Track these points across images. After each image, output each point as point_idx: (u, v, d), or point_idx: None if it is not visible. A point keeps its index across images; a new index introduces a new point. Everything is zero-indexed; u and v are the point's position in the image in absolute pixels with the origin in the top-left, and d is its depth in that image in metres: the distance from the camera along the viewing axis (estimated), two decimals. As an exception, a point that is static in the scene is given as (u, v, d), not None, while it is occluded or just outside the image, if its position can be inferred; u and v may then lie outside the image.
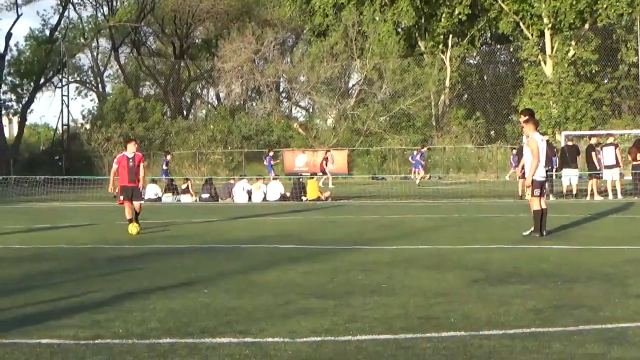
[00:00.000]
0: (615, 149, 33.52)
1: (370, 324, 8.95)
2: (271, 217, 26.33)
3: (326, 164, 47.24)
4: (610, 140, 34.60)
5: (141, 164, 22.21)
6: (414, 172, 55.57)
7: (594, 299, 10.16)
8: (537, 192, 17.97)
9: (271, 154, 48.95)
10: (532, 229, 18.12)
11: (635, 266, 13.06)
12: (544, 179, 18.38)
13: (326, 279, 12.31)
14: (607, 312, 9.36)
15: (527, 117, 18.76)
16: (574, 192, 33.89)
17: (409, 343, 8.00)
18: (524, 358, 7.34)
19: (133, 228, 20.49)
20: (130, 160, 21.89)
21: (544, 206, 18.15)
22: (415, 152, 57.35)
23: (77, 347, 8.05)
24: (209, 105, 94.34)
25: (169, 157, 47.82)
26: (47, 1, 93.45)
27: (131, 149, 22.30)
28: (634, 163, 34.16)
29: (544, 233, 17.97)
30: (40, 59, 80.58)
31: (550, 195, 32.49)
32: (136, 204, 21.78)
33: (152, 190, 38.35)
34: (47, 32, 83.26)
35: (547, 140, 34.24)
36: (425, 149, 54.17)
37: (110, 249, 17.56)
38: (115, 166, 22.21)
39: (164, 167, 45.33)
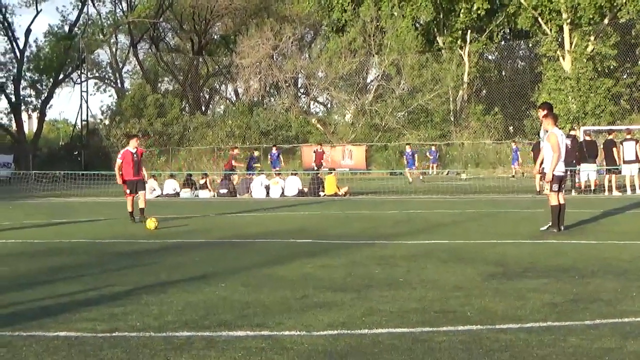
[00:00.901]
0: (636, 144, 33.42)
1: (387, 317, 8.94)
2: (289, 212, 26.34)
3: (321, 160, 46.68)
4: (629, 135, 34.53)
5: (141, 157, 23.58)
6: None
7: (611, 293, 10.13)
8: (555, 187, 17.88)
9: (274, 150, 48.25)
10: (550, 223, 18.07)
11: (653, 261, 13.04)
12: (563, 174, 18.33)
13: (343, 273, 12.30)
14: (624, 306, 9.33)
15: (546, 112, 18.65)
16: (592, 187, 33.82)
17: (425, 336, 7.99)
18: (540, 352, 7.32)
19: (151, 223, 20.57)
20: (135, 155, 22.89)
21: (562, 201, 18.06)
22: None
23: (94, 339, 8.07)
24: (227, 101, 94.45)
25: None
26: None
27: (133, 144, 23.27)
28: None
29: (562, 228, 17.86)
30: (59, 55, 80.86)
31: (573, 191, 32.48)
32: (141, 195, 23.01)
33: (170, 186, 38.51)
34: (66, 28, 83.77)
35: (575, 136, 34.33)
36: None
37: (128, 243, 17.60)
38: (119, 161, 22.92)
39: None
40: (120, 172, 22.93)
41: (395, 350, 7.52)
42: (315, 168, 46.11)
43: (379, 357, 7.28)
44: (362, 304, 9.73)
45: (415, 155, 48.78)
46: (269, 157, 48.51)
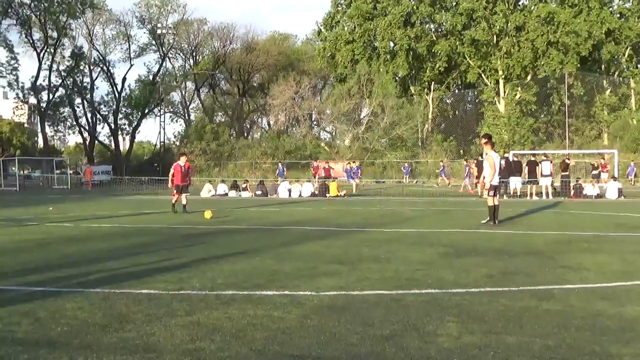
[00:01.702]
0: (551, 163, 33.56)
1: (372, 283, 8.95)
2: (304, 208, 26.30)
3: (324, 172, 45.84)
4: (545, 157, 34.65)
5: (189, 170, 23.84)
6: (405, 178, 55.58)
7: (530, 268, 10.11)
8: (491, 193, 17.91)
9: (280, 166, 47.93)
10: (488, 218, 18.07)
11: (561, 246, 12.97)
12: (497, 184, 18.31)
13: (341, 251, 12.27)
14: (539, 278, 9.32)
15: (486, 140, 18.63)
16: (518, 193, 33.80)
17: (398, 297, 8.01)
18: (479, 308, 7.34)
19: (208, 213, 20.59)
20: (183, 167, 23.23)
21: (496, 203, 18.08)
22: (406, 164, 57.43)
23: (166, 295, 8.12)
24: (262, 129, 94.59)
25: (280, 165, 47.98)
26: (150, 55, 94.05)
27: (183, 160, 23.56)
28: (563, 174, 34.20)
29: (496, 222, 17.85)
30: (145, 95, 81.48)
31: (505, 196, 32.44)
32: (184, 196, 23.20)
33: (221, 188, 38.46)
34: (150, 77, 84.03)
35: (507, 158, 34.34)
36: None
37: (190, 227, 17.59)
38: (172, 171, 23.11)
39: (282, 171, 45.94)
40: (172, 178, 23.23)
41: (377, 305, 7.55)
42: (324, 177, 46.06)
43: (366, 310, 7.30)
44: (354, 273, 9.72)
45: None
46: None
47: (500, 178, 19.53)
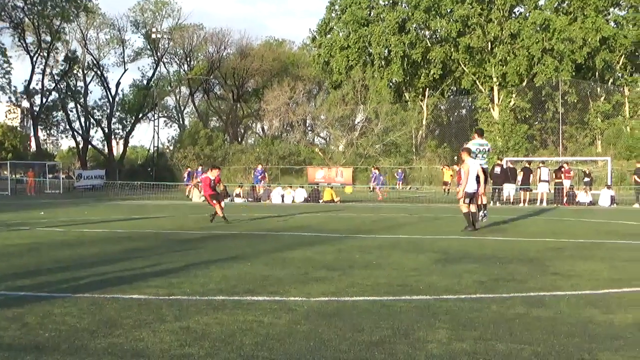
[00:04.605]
0: (548, 169, 33.88)
1: (363, 289, 8.94)
2: (297, 214, 26.29)
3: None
4: (542, 164, 34.98)
5: (218, 183, 21.91)
6: (398, 184, 55.63)
7: (522, 275, 10.13)
8: (467, 200, 17.72)
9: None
10: (466, 225, 17.87)
11: (553, 253, 13.00)
12: (472, 191, 17.75)
13: (333, 257, 12.26)
14: (531, 284, 9.33)
15: (462, 149, 18.57)
16: (512, 200, 33.88)
17: (389, 303, 8.01)
18: (470, 315, 7.34)
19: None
20: (212, 181, 21.42)
21: (473, 210, 17.84)
22: (400, 170, 57.48)
23: (157, 300, 8.10)
24: (256, 135, 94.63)
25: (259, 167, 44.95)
26: (145, 60, 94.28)
27: (214, 174, 21.81)
28: (557, 180, 34.32)
29: (476, 227, 17.68)
30: (139, 100, 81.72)
31: (497, 203, 32.51)
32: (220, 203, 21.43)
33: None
34: (145, 82, 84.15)
35: (501, 164, 34.41)
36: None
37: (183, 233, 17.59)
38: (197, 180, 22.10)
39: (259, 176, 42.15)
40: (197, 187, 22.13)
41: (368, 311, 7.55)
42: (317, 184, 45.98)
43: (357, 316, 7.30)
44: (346, 279, 9.71)
45: (382, 177, 47.68)
46: (254, 173, 45.25)
47: (494, 185, 19.39)
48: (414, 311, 7.55)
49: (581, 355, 5.84)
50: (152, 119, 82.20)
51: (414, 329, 6.70)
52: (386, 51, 72.19)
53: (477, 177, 17.69)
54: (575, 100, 66.96)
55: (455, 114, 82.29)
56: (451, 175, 40.94)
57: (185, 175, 49.44)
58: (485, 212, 19.05)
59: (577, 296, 8.54)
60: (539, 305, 7.94)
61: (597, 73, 69.52)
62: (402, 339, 6.32)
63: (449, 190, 41.71)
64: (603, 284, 9.41)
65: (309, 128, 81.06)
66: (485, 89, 69.61)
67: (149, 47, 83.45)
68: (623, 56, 68.65)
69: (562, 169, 35.01)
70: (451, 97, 79.08)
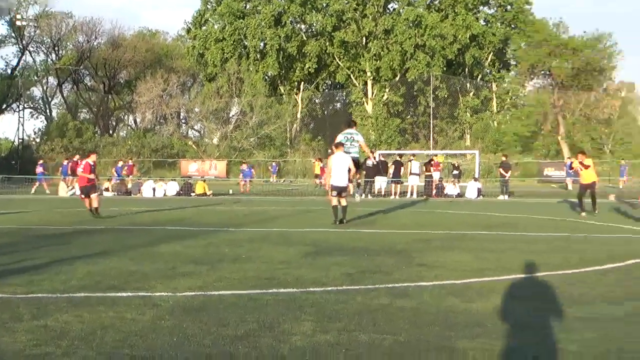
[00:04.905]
0: (419, 163, 34.81)
1: (231, 282, 8.91)
2: (168, 208, 25.91)
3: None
4: (413, 157, 35.87)
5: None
6: (272, 177, 55.82)
7: (388, 267, 10.33)
8: (334, 193, 17.80)
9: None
10: (334, 218, 17.92)
11: (420, 244, 13.33)
12: (337, 184, 17.69)
13: (203, 251, 12.17)
14: (396, 276, 9.53)
15: (334, 144, 18.67)
16: (383, 193, 34.55)
17: (256, 296, 8.00)
18: (336, 307, 7.42)
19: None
20: (92, 165, 20.93)
21: (344, 204, 17.94)
22: (274, 164, 57.68)
23: (15, 299, 7.80)
24: (129, 127, 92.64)
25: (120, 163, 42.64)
26: (9, 48, 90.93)
27: (93, 158, 21.32)
28: (427, 173, 35.26)
29: (343, 222, 17.67)
30: (3, 90, 78.17)
31: (369, 195, 33.03)
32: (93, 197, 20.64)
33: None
34: (9, 71, 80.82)
35: (373, 158, 34.96)
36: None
37: (49, 228, 16.99)
38: (81, 170, 21.05)
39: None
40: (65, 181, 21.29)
41: (234, 306, 7.52)
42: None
43: (223, 310, 7.25)
44: (214, 273, 9.64)
45: (251, 172, 46.71)
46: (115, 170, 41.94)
47: (366, 178, 19.58)
48: (281, 304, 7.57)
49: (440, 344, 6.01)
50: (17, 110, 79.12)
51: (279, 322, 6.70)
52: (262, 44, 72.28)
53: (349, 171, 17.85)
54: (446, 95, 69.10)
55: (330, 107, 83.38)
56: (321, 168, 41.26)
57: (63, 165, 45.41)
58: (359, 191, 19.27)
59: (440, 286, 8.79)
60: (403, 296, 8.12)
61: (466, 69, 72.00)
62: (266, 332, 6.32)
63: (321, 183, 42.12)
64: (466, 274, 9.70)
65: (182, 121, 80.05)
66: (359, 83, 70.74)
67: (13, 34, 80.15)
68: (491, 53, 71.50)
69: (432, 162, 36.01)
70: (326, 90, 80.00)
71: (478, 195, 33.72)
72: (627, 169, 47.47)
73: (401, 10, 69.30)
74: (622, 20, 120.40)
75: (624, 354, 5.84)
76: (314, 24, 71.67)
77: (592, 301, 7.92)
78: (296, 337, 6.16)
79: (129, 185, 37.85)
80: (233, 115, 70.64)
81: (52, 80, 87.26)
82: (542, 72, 69.38)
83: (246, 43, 72.75)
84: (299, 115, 73.24)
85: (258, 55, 72.17)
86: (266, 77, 74.35)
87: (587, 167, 22.01)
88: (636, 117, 72.60)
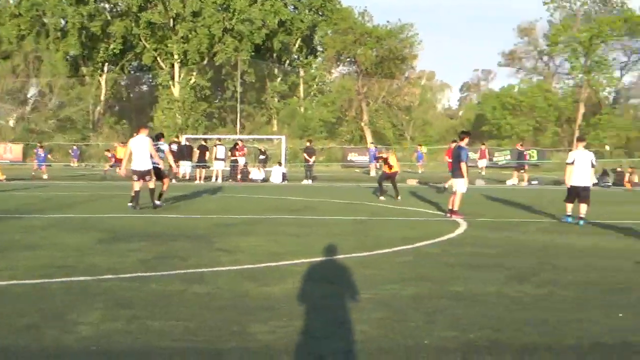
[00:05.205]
0: (225, 148, 34.96)
1: (20, 271, 8.60)
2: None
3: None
4: (219, 142, 35.97)
5: None
6: (73, 161, 54.03)
7: (186, 252, 10.32)
8: (135, 177, 17.63)
9: None
10: (132, 202, 17.74)
11: (221, 229, 13.40)
12: (142, 169, 17.60)
13: (-9, 239, 11.59)
14: (193, 261, 9.55)
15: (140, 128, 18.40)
16: (187, 177, 34.38)
17: (45, 285, 7.78)
18: (128, 294, 7.40)
19: None
20: None
21: (151, 186, 17.89)
22: (75, 147, 55.83)
23: None
24: None
25: None
26: None
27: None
28: (232, 158, 35.33)
29: (136, 207, 17.42)
30: None
31: (174, 180, 32.64)
32: None
33: None
34: None
35: (179, 142, 34.72)
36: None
37: None
38: None
39: None
40: None
41: (21, 296, 7.29)
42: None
43: (8, 301, 7.02)
44: (2, 262, 9.23)
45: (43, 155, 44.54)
46: None
47: (157, 163, 18.88)
48: (71, 293, 7.37)
49: (232, 329, 6.07)
50: None
51: (67, 311, 6.52)
52: (62, 22, 69.31)
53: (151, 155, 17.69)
54: (254, 80, 69.50)
55: (136, 90, 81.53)
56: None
57: None
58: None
59: (237, 271, 8.88)
60: (198, 281, 8.13)
61: (275, 54, 72.72)
62: (52, 322, 6.13)
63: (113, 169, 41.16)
64: (263, 258, 9.85)
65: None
66: (166, 66, 69.55)
67: None
68: (299, 39, 72.65)
69: (237, 146, 36.09)
70: (132, 73, 78.09)
71: (283, 180, 34.26)
72: (425, 156, 49.85)
73: (209, -7, 68.81)
74: (423, 13, 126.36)
75: (408, 332, 6.13)
76: (119, 4, 69.67)
77: (383, 282, 8.27)
78: (83, 326, 6.01)
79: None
80: (31, 97, 67.51)
81: None
82: (348, 59, 71.47)
83: (45, 20, 69.51)
84: (102, 98, 71.07)
85: (59, 34, 69.16)
86: (68, 57, 71.42)
87: (390, 166, 22.97)
88: (435, 104, 76.60)
